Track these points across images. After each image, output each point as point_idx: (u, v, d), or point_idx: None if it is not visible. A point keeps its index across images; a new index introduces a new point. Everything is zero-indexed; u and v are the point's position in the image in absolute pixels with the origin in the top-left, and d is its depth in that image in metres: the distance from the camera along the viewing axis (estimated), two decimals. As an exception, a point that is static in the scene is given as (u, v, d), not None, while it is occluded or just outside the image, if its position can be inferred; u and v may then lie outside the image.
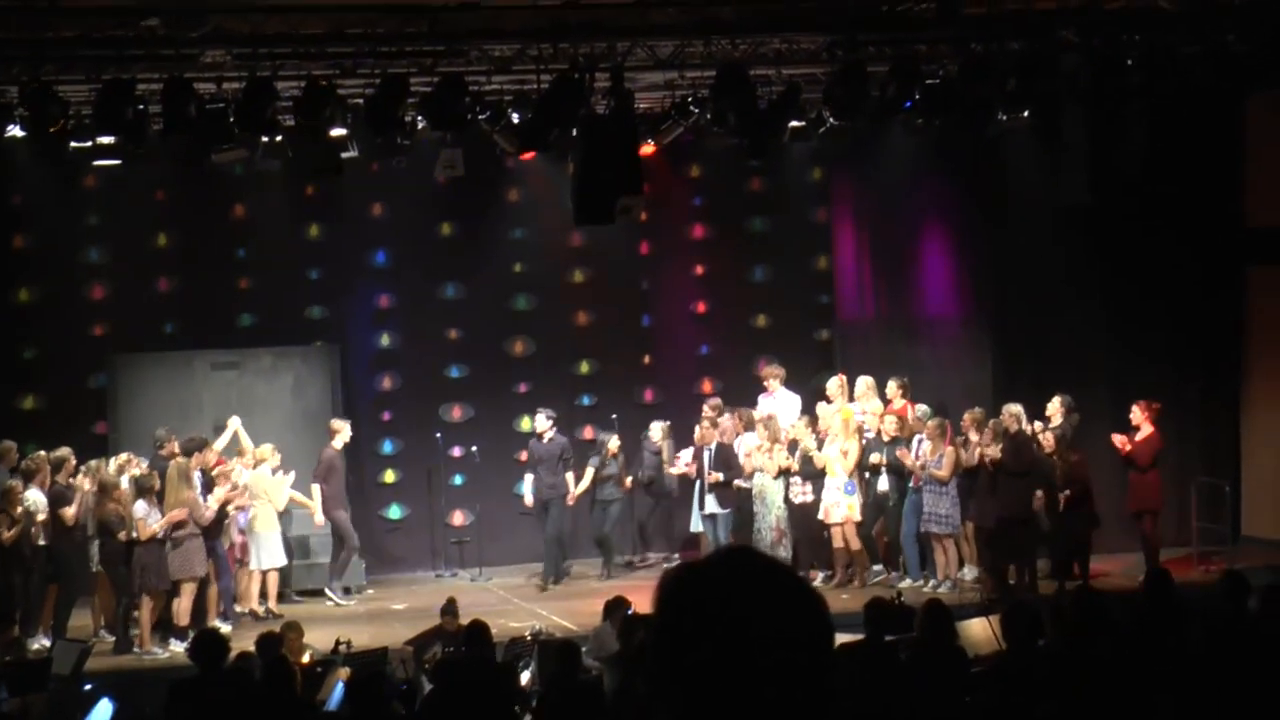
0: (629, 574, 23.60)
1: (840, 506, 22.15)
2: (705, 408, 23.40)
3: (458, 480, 24.93)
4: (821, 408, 23.07)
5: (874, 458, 22.18)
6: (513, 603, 22.22)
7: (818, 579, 22.38)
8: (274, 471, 21.88)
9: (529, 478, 23.34)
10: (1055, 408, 21.87)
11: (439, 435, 24.48)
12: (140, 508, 19.75)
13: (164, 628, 20.09)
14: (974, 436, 21.44)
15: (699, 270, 25.94)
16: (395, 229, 24.91)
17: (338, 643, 16.71)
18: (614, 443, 23.58)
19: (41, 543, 19.97)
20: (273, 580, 21.88)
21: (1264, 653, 11.91)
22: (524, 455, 23.82)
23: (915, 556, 22.15)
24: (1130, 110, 19.80)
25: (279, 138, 20.39)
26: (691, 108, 21.26)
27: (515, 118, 20.56)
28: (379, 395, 24.86)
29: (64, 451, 20.62)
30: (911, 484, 21.99)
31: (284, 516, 22.20)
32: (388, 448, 24.83)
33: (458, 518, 24.85)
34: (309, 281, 24.72)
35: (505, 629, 18.33)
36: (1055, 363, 23.48)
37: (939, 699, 12.28)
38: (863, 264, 25.77)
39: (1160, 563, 20.29)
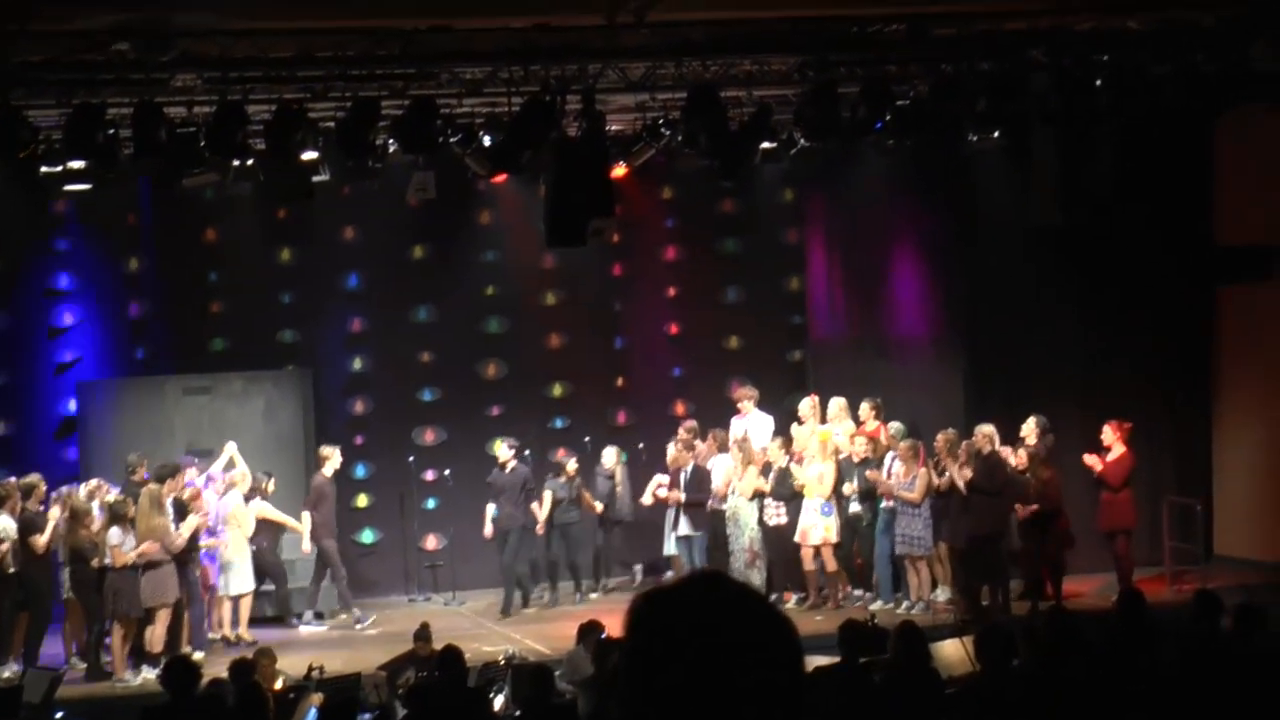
0: (594, 599, 23.44)
1: (818, 528, 22.14)
2: (680, 430, 23.39)
3: (431, 504, 24.88)
4: (795, 429, 23.09)
5: (847, 488, 22.16)
6: (486, 627, 22.18)
7: (791, 601, 22.38)
8: (246, 498, 21.84)
9: (490, 507, 23.25)
10: (1030, 428, 21.89)
11: (412, 459, 24.44)
12: (115, 534, 19.67)
13: (136, 655, 20.00)
14: (946, 458, 21.45)
15: (671, 292, 25.94)
16: (367, 252, 24.88)
17: (310, 668, 16.67)
18: (571, 465, 23.46)
19: (11, 570, 19.89)
20: (244, 606, 21.79)
21: (1236, 672, 11.93)
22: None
23: (888, 578, 22.15)
24: (1100, 130, 19.84)
25: (250, 161, 20.35)
26: (663, 129, 21.28)
27: (487, 140, 20.55)
28: (351, 419, 24.81)
29: (34, 478, 20.53)
30: (884, 505, 21.99)
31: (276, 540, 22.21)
32: (360, 472, 24.77)
33: (431, 541, 24.80)
34: (281, 305, 24.68)
35: (479, 653, 18.27)
36: (1027, 382, 23.52)
37: (913, 720, 12.28)
38: (835, 285, 25.81)
39: (1133, 583, 20.31)
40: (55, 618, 20.56)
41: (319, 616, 22.65)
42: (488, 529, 23.20)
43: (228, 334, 24.52)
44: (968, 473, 21.15)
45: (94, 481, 20.96)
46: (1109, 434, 21.94)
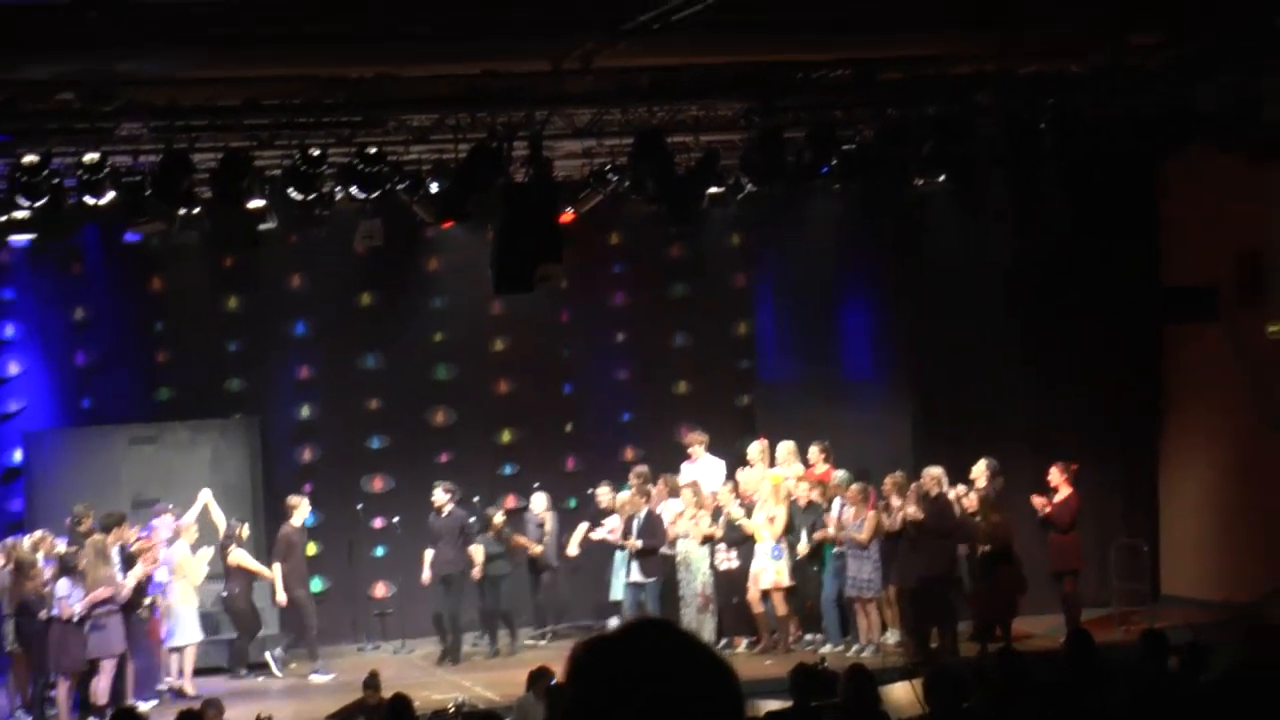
0: (541, 647, 23.30)
1: (768, 571, 22.15)
2: (631, 476, 23.37)
3: (379, 552, 24.78)
4: (744, 473, 23.10)
5: (800, 542, 22.17)
6: (436, 674, 22.09)
7: (742, 645, 22.37)
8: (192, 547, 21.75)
9: (429, 553, 23.10)
10: (980, 470, 21.96)
11: (360, 506, 24.36)
12: (63, 585, 19.57)
13: (82, 708, 19.86)
14: (895, 500, 21.49)
15: (620, 337, 25.94)
16: (315, 299, 24.81)
17: (259, 719, 16.57)
18: (499, 517, 23.32)
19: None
20: (189, 656, 21.64)
21: (1185, 712, 11.95)
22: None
23: (836, 621, 22.17)
24: (1047, 173, 19.96)
25: (197, 210, 20.28)
26: (610, 175, 21.32)
27: (434, 187, 20.56)
28: (300, 467, 24.69)
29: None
30: (834, 549, 22.02)
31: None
32: (309, 520, 24.65)
33: (380, 589, 24.70)
34: (228, 354, 24.57)
35: (428, 701, 18.18)
36: (975, 425, 23.59)
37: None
38: (783, 329, 25.86)
39: (1081, 623, 20.37)
40: (-2, 669, 20.48)
41: (251, 668, 22.51)
42: (425, 574, 23.09)
43: (174, 383, 24.39)
44: (917, 514, 21.19)
45: (39, 533, 20.83)
46: (1055, 475, 22.03)
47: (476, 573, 22.96)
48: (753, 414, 25.78)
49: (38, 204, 18.70)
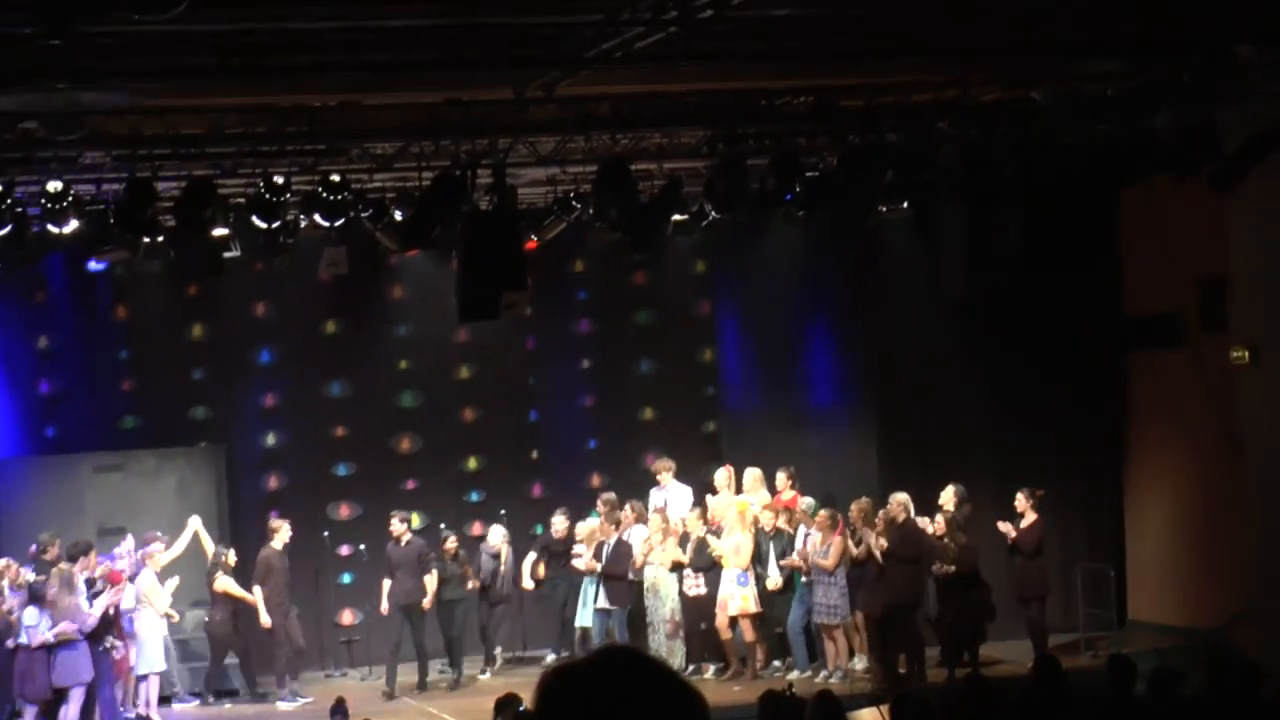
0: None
1: (736, 599, 22.16)
2: (598, 503, 23.37)
3: (346, 579, 24.75)
4: (711, 499, 23.12)
5: (770, 571, 22.18)
6: (404, 701, 22.05)
7: (710, 671, 22.37)
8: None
9: (386, 583, 22.98)
10: (948, 497, 22.01)
11: (326, 534, 24.32)
12: (31, 614, 19.52)
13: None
14: (862, 527, 21.53)
15: (585, 364, 25.96)
16: (279, 327, 24.79)
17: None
18: (451, 543, 23.11)
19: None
20: (153, 685, 21.57)
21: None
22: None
23: (803, 647, 22.18)
24: (1008, 200, 20.01)
25: (160, 238, 20.26)
26: (574, 203, 21.36)
27: (398, 215, 20.57)
28: (265, 495, 24.66)
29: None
30: (802, 576, 22.04)
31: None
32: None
33: (346, 616, 24.66)
34: (192, 382, 24.54)
35: (395, 729, 18.17)
36: (940, 451, 23.67)
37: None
38: (747, 355, 25.90)
39: (1048, 649, 20.42)
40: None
41: (219, 695, 22.52)
42: (384, 605, 23.00)
43: (139, 411, 24.36)
44: (884, 542, 21.24)
45: (2, 561, 20.76)
46: (1021, 501, 22.10)
47: (427, 602, 22.76)
48: (718, 441, 25.81)
49: (1, 233, 18.65)
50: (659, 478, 24.01)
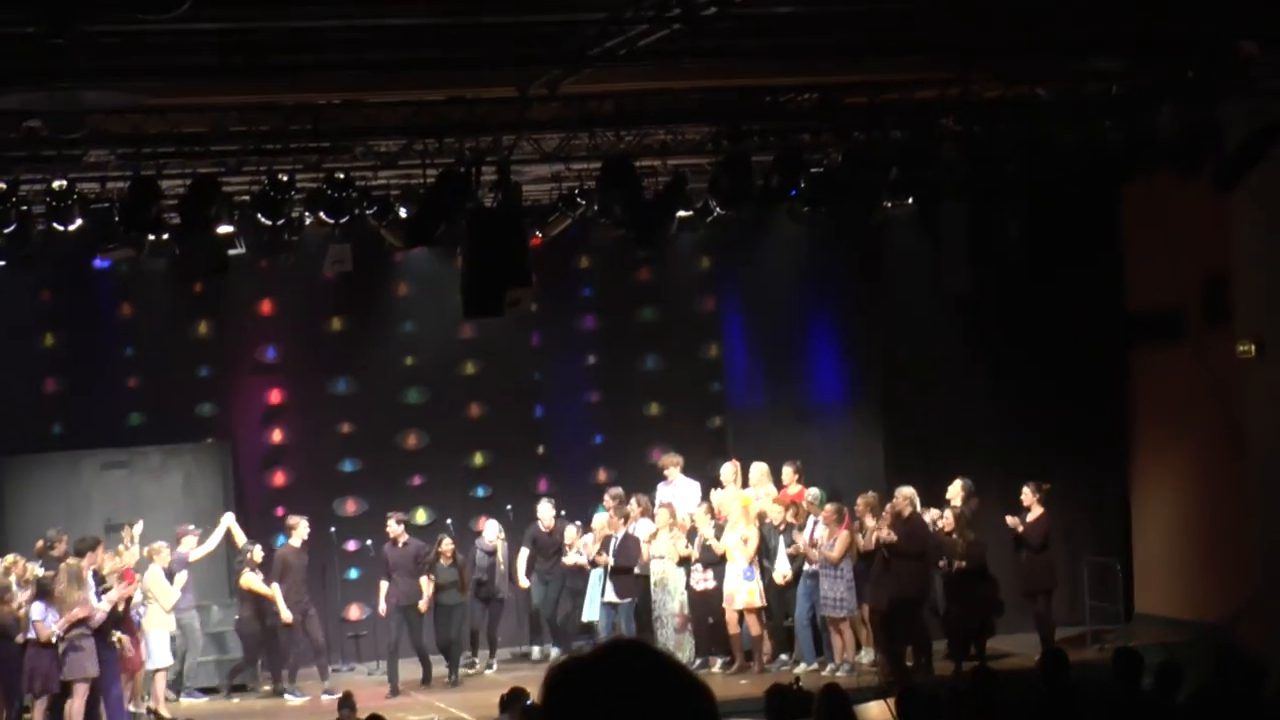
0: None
1: (741, 592, 22.17)
2: (606, 497, 23.39)
3: (353, 574, 24.77)
4: (716, 494, 23.13)
5: (779, 565, 22.19)
6: (410, 695, 22.08)
7: (717, 665, 22.40)
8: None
9: (384, 584, 22.93)
10: (956, 491, 22.02)
11: (333, 530, 24.33)
12: (38, 609, 19.55)
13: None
14: (869, 520, 21.56)
15: (590, 360, 25.98)
16: (284, 324, 24.83)
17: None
18: (446, 544, 23.02)
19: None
20: (160, 680, 21.62)
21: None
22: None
23: (809, 640, 22.20)
24: (1011, 196, 20.02)
25: (165, 236, 20.28)
26: (578, 199, 21.37)
27: (403, 212, 20.58)
28: (271, 491, 24.69)
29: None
30: (806, 568, 22.06)
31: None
32: (281, 543, 24.61)
33: (354, 611, 24.68)
34: (198, 379, 24.59)
35: (403, 723, 18.21)
36: (944, 446, 23.69)
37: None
38: (752, 351, 25.92)
39: (1055, 642, 20.43)
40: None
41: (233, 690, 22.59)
42: (382, 606, 22.96)
43: (145, 408, 24.41)
44: (891, 535, 21.26)
45: (10, 557, 20.82)
46: (1027, 495, 22.12)
47: (423, 605, 22.69)
48: (724, 436, 25.84)
49: (6, 231, 18.69)
50: (666, 473, 24.03)
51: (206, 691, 22.67)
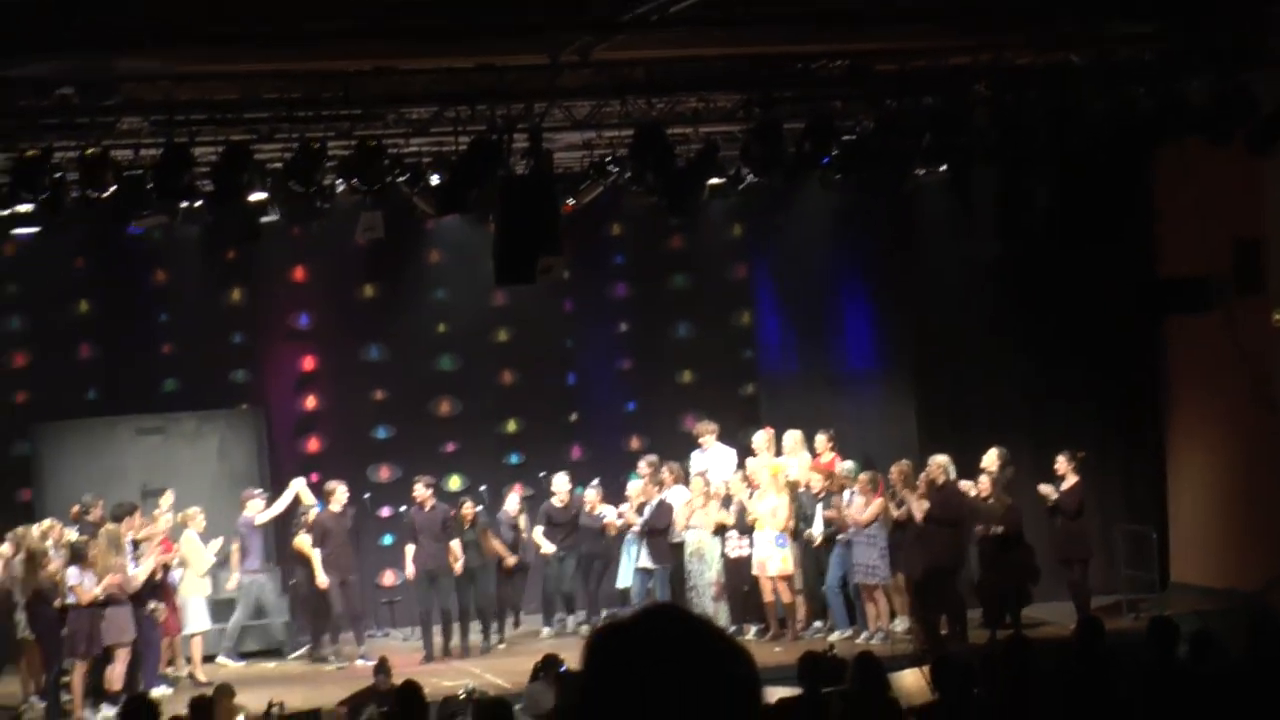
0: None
1: (774, 560, 22.17)
2: (641, 464, 23.40)
3: (387, 540, 24.81)
4: (749, 461, 23.13)
5: (814, 527, 22.18)
6: (445, 662, 22.15)
7: (750, 633, 22.41)
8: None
9: (410, 548, 22.85)
10: (991, 459, 21.95)
11: (367, 496, 24.36)
12: (73, 574, 19.64)
13: (95, 694, 19.96)
14: (903, 489, 21.53)
15: (623, 327, 25.99)
16: (317, 291, 24.89)
17: (270, 705, 16.66)
18: (467, 508, 22.89)
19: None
20: (196, 645, 21.74)
21: (1194, 700, 12.01)
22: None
23: (841, 607, 22.18)
24: (1042, 163, 19.94)
25: (198, 203, 20.32)
26: (610, 167, 21.33)
27: (434, 179, 20.58)
28: (305, 457, 24.76)
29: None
30: (839, 536, 22.05)
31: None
32: (320, 508, 24.65)
33: (388, 578, 24.72)
34: (232, 345, 24.67)
35: (438, 688, 18.26)
36: (977, 414, 23.63)
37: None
38: (784, 319, 25.90)
39: (1090, 610, 20.40)
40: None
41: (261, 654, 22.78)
42: (409, 570, 22.95)
43: (179, 374, 24.50)
44: (925, 504, 21.23)
45: (47, 522, 20.94)
46: (1062, 463, 22.07)
47: (458, 568, 22.64)
48: (757, 404, 25.84)
49: (40, 198, 18.74)
50: (701, 441, 24.02)
51: (245, 656, 22.74)
